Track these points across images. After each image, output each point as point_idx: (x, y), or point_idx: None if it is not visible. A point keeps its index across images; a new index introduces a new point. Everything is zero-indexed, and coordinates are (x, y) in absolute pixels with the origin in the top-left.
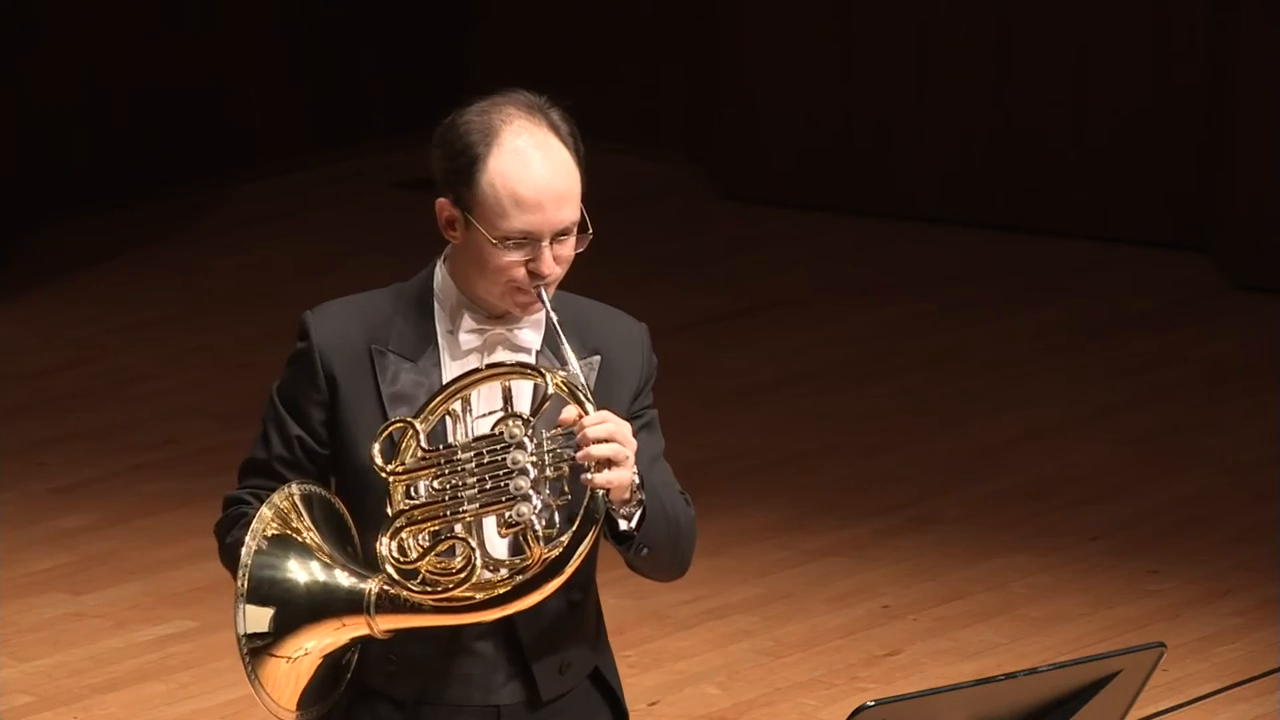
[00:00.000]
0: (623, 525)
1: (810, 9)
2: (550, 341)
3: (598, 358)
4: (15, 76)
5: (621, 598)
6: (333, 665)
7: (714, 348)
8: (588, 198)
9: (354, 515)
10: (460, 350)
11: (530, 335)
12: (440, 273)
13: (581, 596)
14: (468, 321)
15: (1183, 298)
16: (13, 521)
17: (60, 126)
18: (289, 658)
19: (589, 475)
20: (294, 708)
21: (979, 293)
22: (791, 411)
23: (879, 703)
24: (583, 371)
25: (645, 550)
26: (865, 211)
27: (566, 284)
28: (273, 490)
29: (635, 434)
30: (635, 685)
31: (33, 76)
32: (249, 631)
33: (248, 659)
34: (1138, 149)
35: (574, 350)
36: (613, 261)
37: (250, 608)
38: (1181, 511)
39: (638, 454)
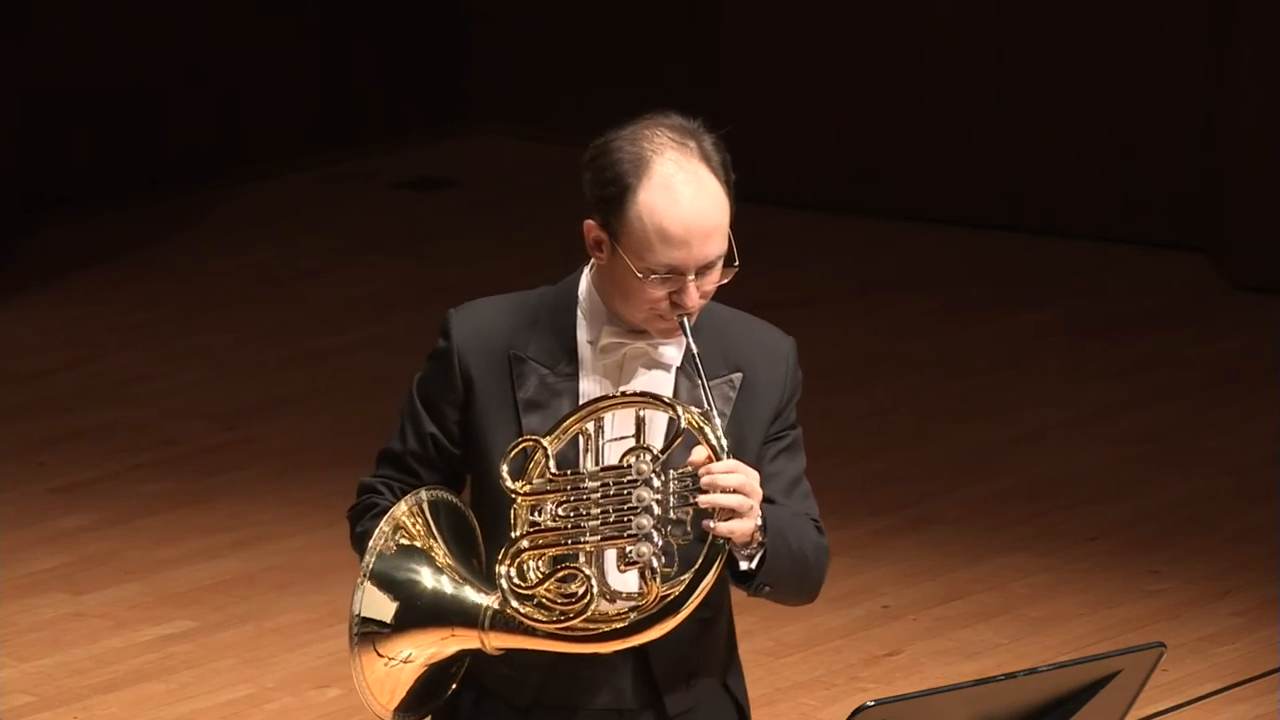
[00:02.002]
0: (743, 565)
1: (811, 9)
2: (689, 362)
3: (739, 375)
4: (15, 76)
5: None
6: (437, 674)
7: None
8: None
9: (484, 517)
10: (599, 362)
11: (672, 351)
12: (585, 283)
13: (712, 615)
14: (609, 333)
15: (1183, 298)
16: (13, 521)
17: (60, 126)
18: (389, 659)
19: (711, 523)
20: (390, 708)
21: (979, 293)
22: None
23: (879, 703)
24: (723, 390)
25: (767, 589)
26: (865, 211)
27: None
28: (404, 483)
29: (775, 457)
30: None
31: (32, 76)
32: (364, 614)
33: (356, 641)
34: (1138, 149)
35: (715, 365)
36: None
37: (371, 590)
38: (1181, 511)
39: (777, 478)
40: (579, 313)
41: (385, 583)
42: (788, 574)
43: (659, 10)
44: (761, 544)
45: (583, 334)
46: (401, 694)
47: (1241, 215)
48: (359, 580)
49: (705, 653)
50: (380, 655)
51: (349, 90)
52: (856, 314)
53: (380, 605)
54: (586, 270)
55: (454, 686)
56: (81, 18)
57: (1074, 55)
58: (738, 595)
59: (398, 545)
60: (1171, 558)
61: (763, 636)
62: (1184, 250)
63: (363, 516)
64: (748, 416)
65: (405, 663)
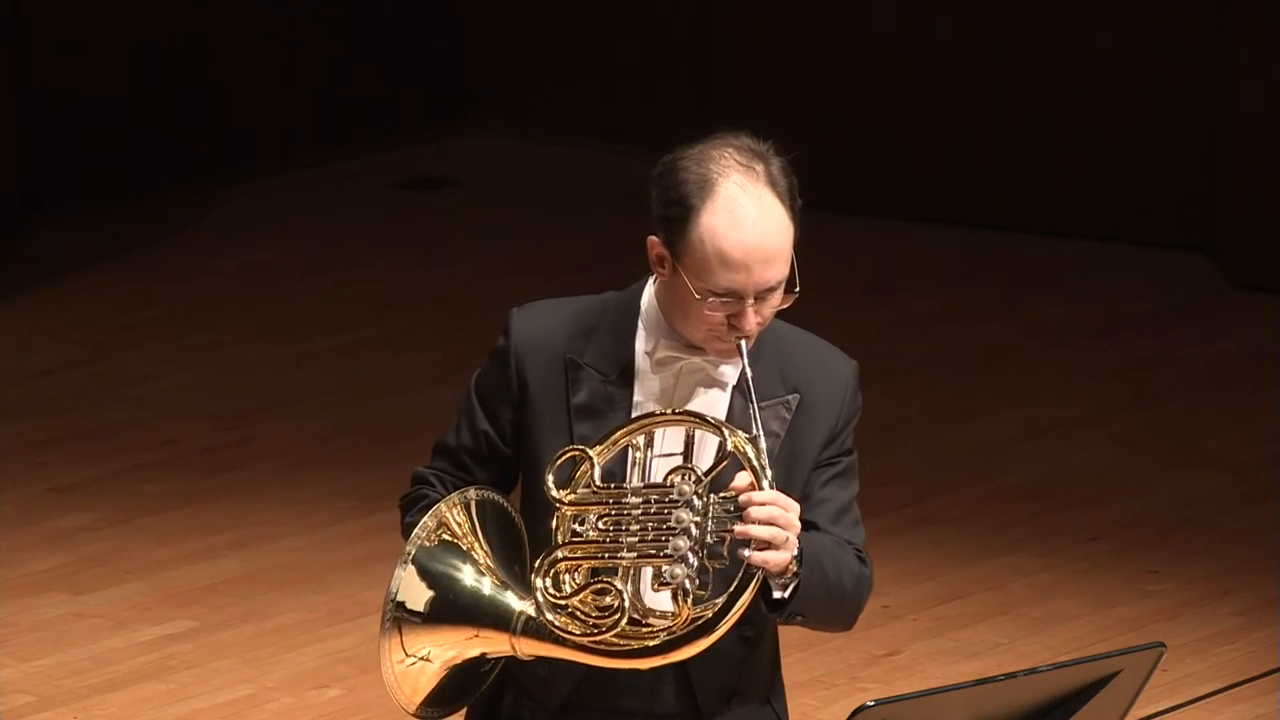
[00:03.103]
0: (775, 593)
1: (811, 9)
2: (745, 383)
3: (796, 396)
4: (15, 76)
5: None
6: (464, 675)
7: None
8: (583, 197)
9: (529, 520)
10: (655, 374)
11: (729, 370)
12: (649, 293)
13: (755, 635)
14: (666, 346)
15: (1183, 298)
16: (13, 521)
17: (60, 126)
18: (407, 655)
19: (747, 553)
20: (414, 703)
21: (979, 293)
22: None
23: (879, 703)
24: (778, 410)
25: (799, 618)
26: (865, 211)
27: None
28: (456, 478)
29: (827, 483)
30: None
31: (32, 76)
32: (399, 599)
33: (388, 625)
34: (1138, 149)
35: (773, 386)
36: (613, 262)
37: (408, 576)
38: (1181, 511)
39: (826, 504)
40: (639, 323)
41: (424, 573)
42: (822, 604)
43: (659, 10)
44: (796, 574)
45: (641, 344)
46: (424, 692)
47: (1241, 215)
48: (400, 562)
49: (748, 673)
50: (402, 648)
51: (349, 90)
52: (856, 314)
53: (417, 593)
54: (651, 281)
55: (484, 688)
56: (81, 18)
57: (1074, 55)
58: None
59: (440, 540)
60: (1171, 558)
61: None
62: (1184, 250)
63: (412, 507)
64: (802, 438)
65: (424, 660)
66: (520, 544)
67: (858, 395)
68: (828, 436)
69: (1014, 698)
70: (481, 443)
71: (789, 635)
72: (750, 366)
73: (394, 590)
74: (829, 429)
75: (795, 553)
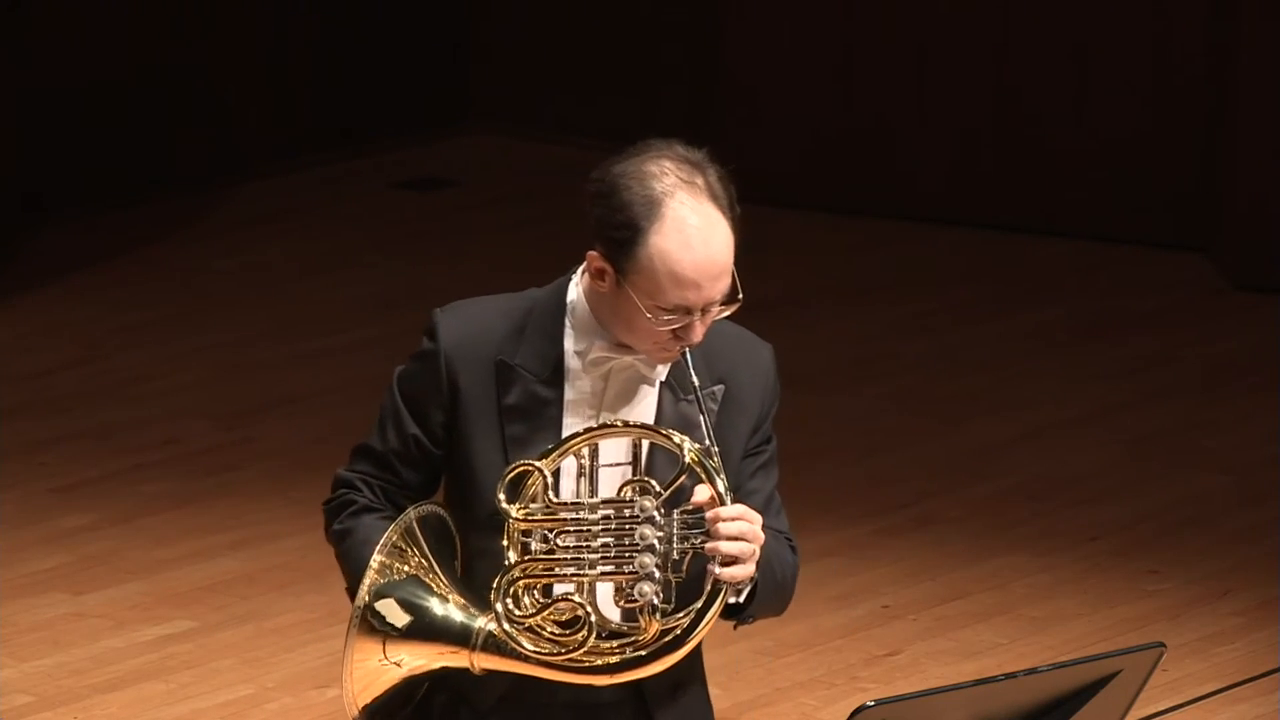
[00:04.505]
0: (731, 599)
1: (810, 9)
2: (676, 373)
3: (721, 387)
4: (15, 76)
5: None
6: (412, 687)
7: None
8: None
9: (459, 520)
10: (587, 373)
11: (657, 368)
12: (575, 293)
13: None
14: (599, 347)
15: (1183, 298)
16: (13, 521)
17: (60, 126)
18: (382, 660)
19: (715, 569)
20: (359, 707)
21: (979, 293)
22: (791, 411)
23: (879, 703)
24: (706, 403)
25: (752, 619)
26: (865, 211)
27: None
28: (383, 481)
29: (754, 474)
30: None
31: (32, 76)
32: (375, 606)
33: (356, 624)
34: (1138, 149)
35: (698, 377)
36: None
37: (379, 589)
38: (1181, 511)
39: (754, 496)
40: (567, 323)
41: (390, 593)
42: (772, 602)
43: (659, 11)
44: (752, 578)
45: (570, 344)
46: (376, 693)
47: (1241, 215)
48: (367, 573)
49: (686, 669)
50: (381, 652)
51: (349, 91)
52: (856, 314)
53: (389, 609)
54: (576, 278)
55: (418, 697)
56: (81, 18)
57: (1074, 55)
58: None
59: (395, 572)
60: (1171, 558)
61: (763, 636)
62: (1184, 250)
63: (340, 513)
64: (730, 428)
65: (395, 665)
66: (455, 551)
67: (778, 382)
68: (754, 425)
69: (1014, 698)
70: (411, 446)
71: (789, 636)
72: (694, 377)
73: (366, 595)
74: (754, 418)
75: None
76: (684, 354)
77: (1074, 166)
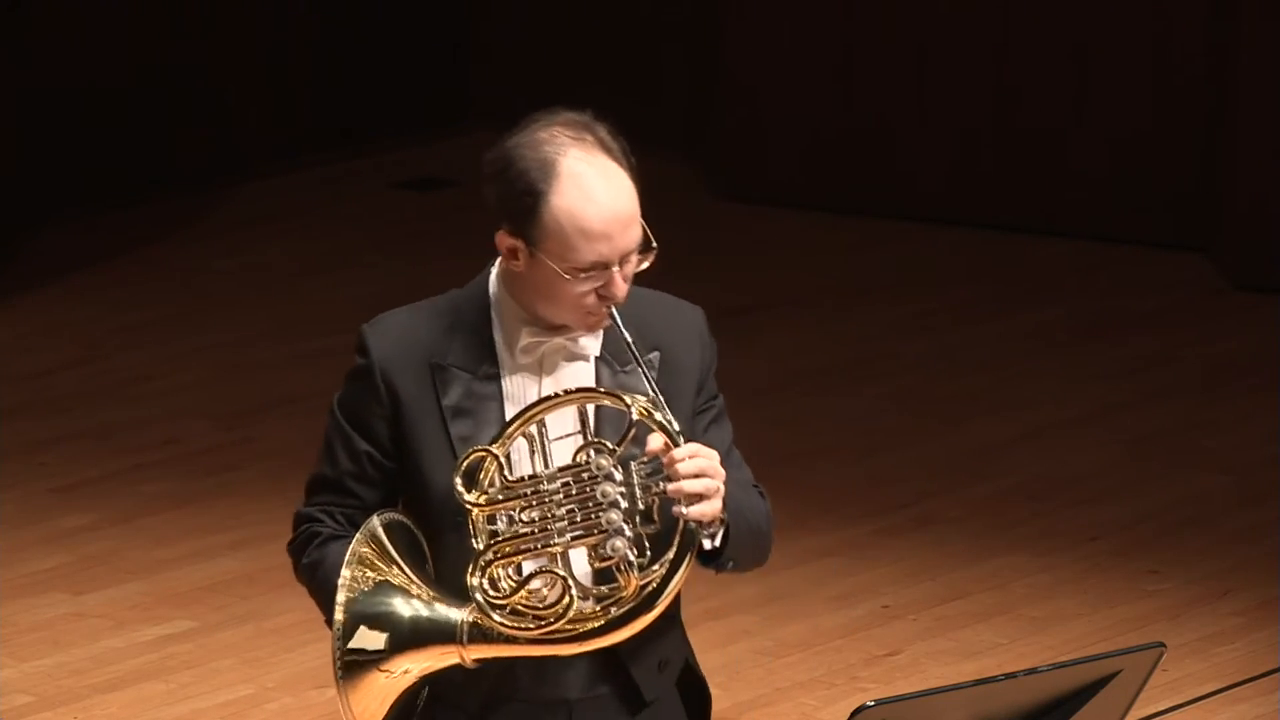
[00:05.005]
0: (707, 545)
1: (810, 8)
2: (610, 346)
3: (657, 354)
4: (15, 76)
5: None
6: (413, 694)
7: None
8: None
9: (420, 529)
10: (519, 362)
11: (589, 341)
12: (495, 285)
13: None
14: (526, 332)
15: (1183, 298)
16: (13, 521)
17: (60, 127)
18: (390, 672)
19: (681, 509)
20: None
21: (979, 293)
22: (791, 411)
23: (879, 703)
24: (643, 363)
25: (731, 564)
26: (865, 211)
27: None
28: (344, 507)
29: (706, 429)
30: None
31: (32, 76)
32: (352, 646)
33: (341, 672)
34: (1138, 149)
35: (634, 348)
36: None
37: (350, 624)
38: (1181, 511)
39: (714, 450)
40: (493, 315)
41: (363, 618)
42: (749, 545)
43: (659, 11)
44: (723, 521)
45: (499, 335)
46: (385, 710)
47: (1241, 215)
48: (336, 614)
49: (670, 637)
50: (379, 670)
51: (348, 91)
52: (856, 314)
53: (364, 638)
54: (494, 271)
55: (420, 705)
56: (81, 18)
57: (1074, 55)
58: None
59: (366, 582)
60: (1171, 558)
61: (763, 636)
62: (1184, 250)
63: (306, 547)
64: (673, 393)
65: (406, 674)
66: (425, 555)
67: (712, 340)
68: (696, 385)
69: (1014, 698)
70: (364, 464)
71: (789, 636)
72: (624, 332)
73: (340, 640)
74: (696, 379)
75: (723, 500)
76: (612, 315)
77: (1074, 166)
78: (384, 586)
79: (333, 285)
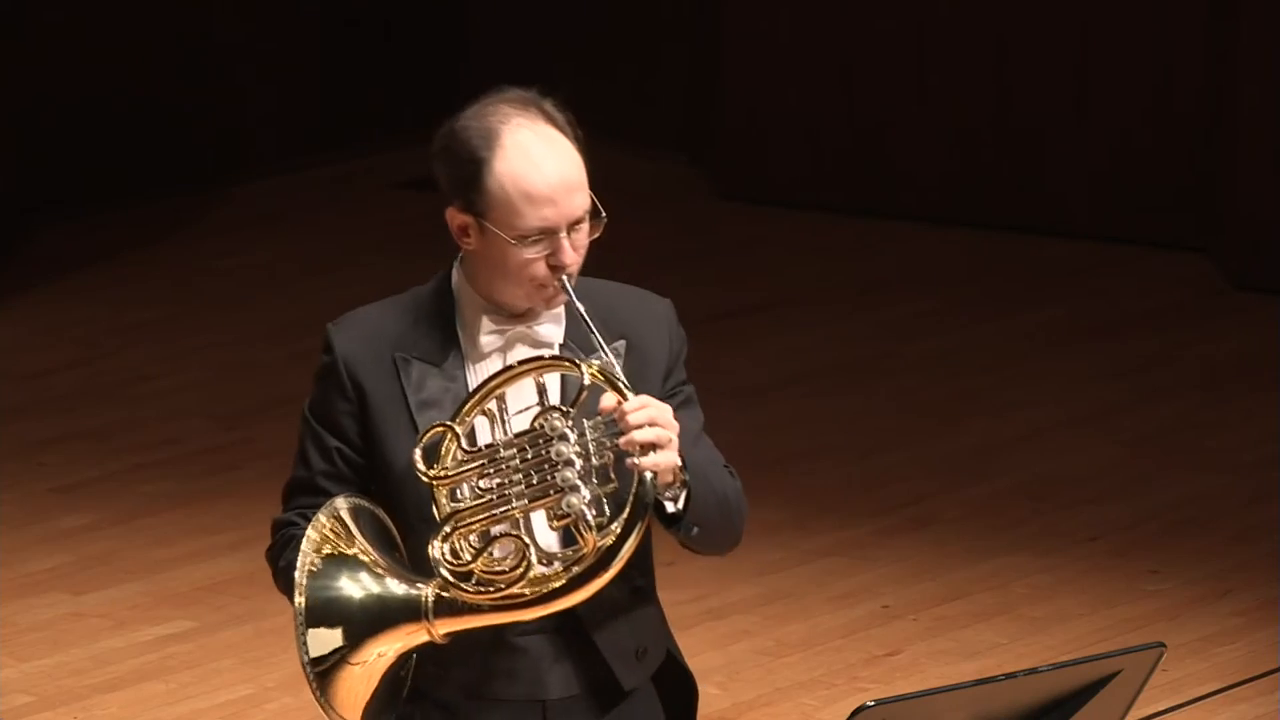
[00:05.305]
0: (670, 508)
1: (810, 9)
2: (574, 334)
3: (623, 342)
4: (14, 77)
5: None
6: (394, 676)
7: (714, 347)
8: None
9: (394, 521)
10: (483, 352)
11: (552, 330)
12: (456, 276)
13: (644, 582)
14: (488, 323)
15: (1183, 298)
16: (13, 521)
17: (60, 127)
18: (361, 663)
19: (635, 460)
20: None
21: (979, 293)
22: (791, 411)
23: (879, 703)
24: (606, 349)
25: (696, 530)
26: (865, 211)
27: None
28: (318, 507)
29: (674, 414)
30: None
31: (33, 76)
32: (314, 655)
33: (315, 682)
34: (1137, 149)
35: (600, 336)
36: (612, 262)
37: (313, 632)
38: (1181, 511)
39: (680, 433)
40: (455, 307)
41: (325, 610)
42: (715, 515)
43: (659, 10)
44: (685, 482)
45: (462, 327)
46: (369, 697)
47: (1241, 215)
48: (298, 624)
49: (647, 625)
50: (351, 664)
51: (349, 90)
52: (856, 314)
53: (329, 636)
54: (455, 266)
55: (408, 685)
56: (81, 19)
57: (1074, 55)
58: (720, 590)
59: (324, 565)
60: (1171, 558)
61: (763, 636)
62: (1184, 250)
63: (284, 551)
64: (639, 381)
65: (379, 658)
66: (394, 536)
67: (680, 329)
68: (664, 373)
69: (1014, 698)
70: (336, 460)
71: (789, 636)
72: (577, 303)
73: (305, 655)
74: (663, 366)
75: (679, 457)
76: (564, 285)
77: (1074, 166)
78: (346, 566)
79: (333, 285)
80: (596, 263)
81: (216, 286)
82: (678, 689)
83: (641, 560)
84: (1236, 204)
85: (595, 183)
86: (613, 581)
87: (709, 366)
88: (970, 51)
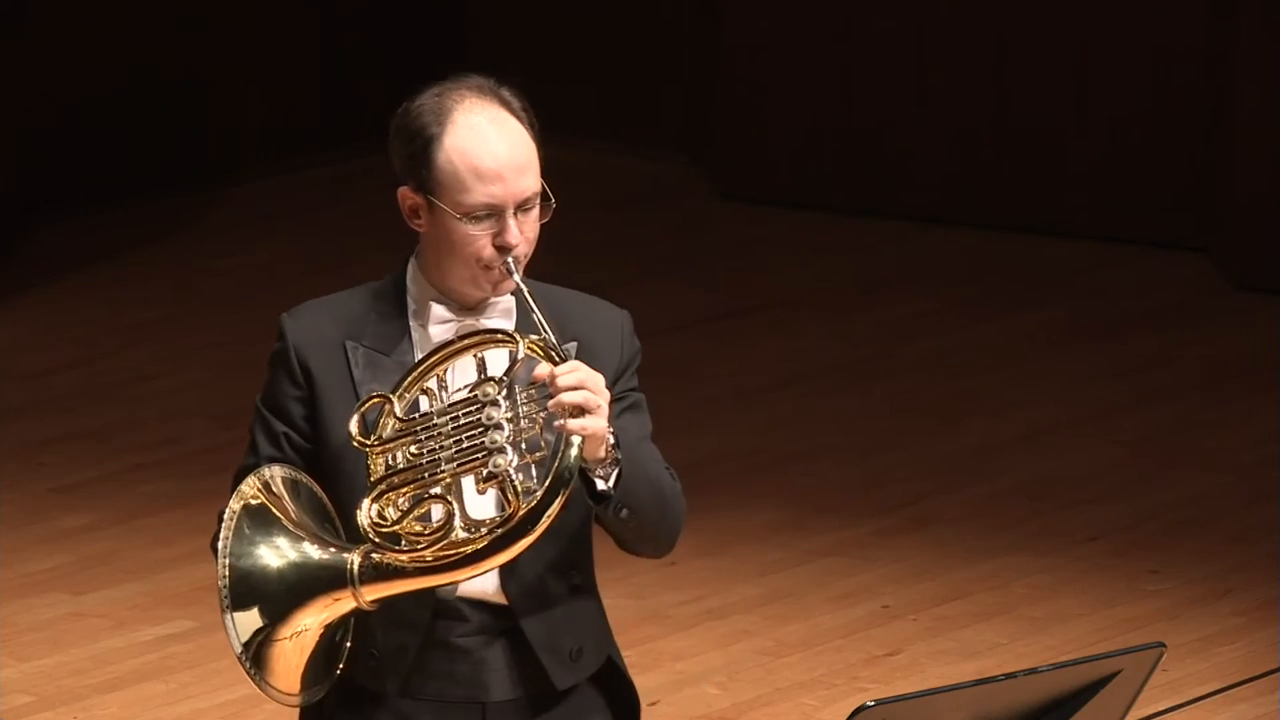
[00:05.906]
0: (600, 485)
1: (810, 9)
2: (524, 327)
3: (574, 344)
4: (15, 77)
5: (621, 597)
6: (328, 644)
7: (714, 348)
8: (582, 197)
9: (333, 501)
10: (433, 343)
11: (502, 323)
12: (411, 268)
13: (582, 580)
14: (439, 314)
15: (1183, 298)
16: (13, 521)
17: (60, 127)
18: (290, 636)
19: (563, 423)
20: (298, 690)
21: (979, 293)
22: (791, 411)
23: (879, 703)
24: (541, 318)
25: (625, 511)
26: (865, 211)
27: (559, 280)
28: None
29: (620, 415)
30: (635, 685)
31: (32, 76)
32: (245, 640)
33: (249, 665)
34: (1137, 149)
35: (553, 334)
36: (612, 261)
37: (238, 615)
38: (1181, 511)
39: (623, 430)
40: (409, 299)
41: (248, 587)
42: (648, 502)
43: (658, 11)
44: (617, 460)
45: (414, 319)
46: (303, 668)
47: (1241, 215)
48: (223, 608)
49: (584, 624)
50: (278, 641)
51: (349, 89)
52: (856, 314)
53: (254, 616)
54: (412, 258)
55: (345, 654)
56: (81, 19)
57: (1074, 55)
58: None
59: (247, 536)
60: (1171, 558)
61: (763, 636)
62: (1184, 250)
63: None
64: None
65: (305, 631)
66: (328, 510)
67: (634, 339)
68: (612, 377)
69: (1014, 698)
70: (284, 445)
71: (789, 636)
72: (522, 285)
73: (236, 642)
74: (613, 370)
75: (610, 429)
76: (509, 267)
77: (1074, 166)
78: (271, 532)
79: (333, 285)
80: (597, 262)
81: (216, 286)
82: (619, 701)
83: (581, 559)
84: (1236, 204)
85: (596, 183)
86: (550, 578)
87: (709, 367)
88: (970, 52)
